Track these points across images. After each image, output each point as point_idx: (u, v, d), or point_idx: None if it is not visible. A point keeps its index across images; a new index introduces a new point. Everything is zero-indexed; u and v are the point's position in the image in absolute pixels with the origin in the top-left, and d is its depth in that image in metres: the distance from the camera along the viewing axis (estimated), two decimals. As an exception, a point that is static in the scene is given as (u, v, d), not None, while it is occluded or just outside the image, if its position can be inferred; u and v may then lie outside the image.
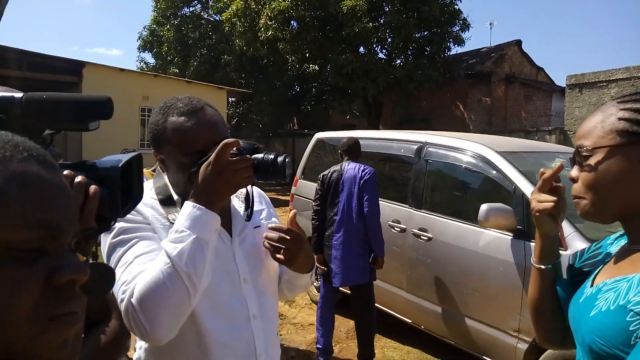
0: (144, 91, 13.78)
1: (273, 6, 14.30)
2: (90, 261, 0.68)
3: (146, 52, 24.31)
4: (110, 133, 10.48)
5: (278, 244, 1.16)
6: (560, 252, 1.11)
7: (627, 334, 0.77)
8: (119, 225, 1.09)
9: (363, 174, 3.61)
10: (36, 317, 0.45)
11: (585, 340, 0.87)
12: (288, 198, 5.95)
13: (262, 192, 1.43)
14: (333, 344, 3.97)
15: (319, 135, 5.52)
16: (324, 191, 3.75)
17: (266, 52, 16.07)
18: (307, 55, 15.57)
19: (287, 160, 1.10)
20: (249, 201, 1.28)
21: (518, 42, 17.35)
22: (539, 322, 1.10)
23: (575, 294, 0.99)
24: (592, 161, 0.89)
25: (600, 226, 1.04)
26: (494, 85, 15.99)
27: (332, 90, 16.01)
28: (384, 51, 15.74)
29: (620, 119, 0.87)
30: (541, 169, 1.04)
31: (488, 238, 3.31)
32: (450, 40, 15.36)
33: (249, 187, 1.27)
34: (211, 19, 22.55)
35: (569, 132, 11.80)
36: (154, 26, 23.32)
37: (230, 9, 16.21)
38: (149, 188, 1.21)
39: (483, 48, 18.35)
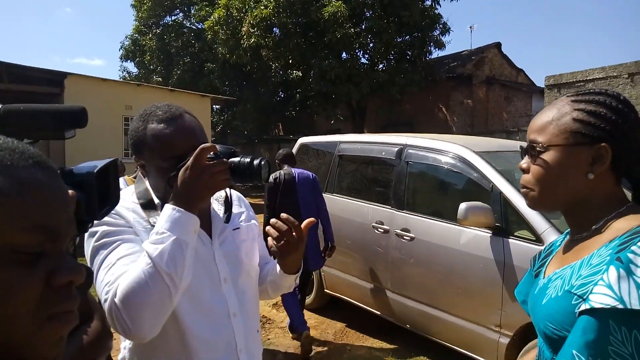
0: (127, 101, 13.69)
1: (255, 13, 14.34)
2: None
3: (129, 61, 24.18)
4: (93, 143, 10.41)
5: (281, 235, 1.21)
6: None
7: (573, 317, 0.83)
8: (102, 229, 1.12)
9: (313, 177, 4.31)
10: (36, 315, 0.48)
11: (540, 327, 0.94)
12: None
13: (241, 195, 1.48)
14: (321, 346, 4.01)
15: (303, 140, 5.57)
16: (274, 189, 4.16)
17: (249, 59, 16.08)
18: (290, 61, 15.63)
19: (262, 162, 1.14)
20: (228, 204, 1.33)
21: (498, 45, 17.62)
22: None
23: (529, 282, 1.07)
24: (545, 157, 0.95)
25: None
26: (475, 87, 16.22)
27: (316, 95, 16.08)
28: (366, 56, 15.88)
29: (574, 119, 0.92)
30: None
31: (468, 236, 3.39)
32: (431, 44, 15.53)
33: (227, 190, 1.33)
34: (193, 27, 22.50)
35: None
36: (136, 35, 23.20)
37: (212, 17, 16.22)
38: (131, 193, 1.26)
39: (464, 51, 18.60)
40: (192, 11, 22.11)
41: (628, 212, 0.91)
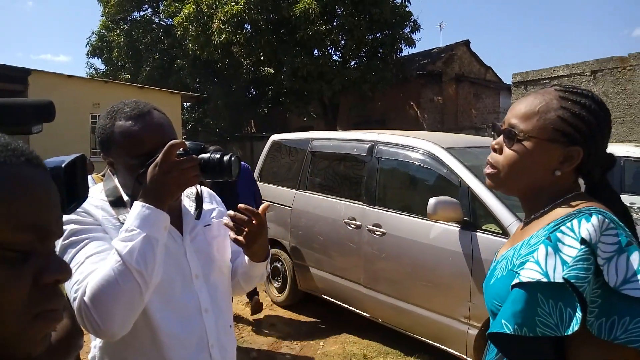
0: (95, 98, 13.36)
1: (225, 10, 14.20)
2: None
3: (95, 58, 23.54)
4: (59, 141, 10.11)
5: (242, 225, 1.22)
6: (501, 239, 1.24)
7: None
8: (70, 227, 1.11)
9: (247, 167, 4.68)
10: (23, 314, 0.48)
11: (489, 306, 1.01)
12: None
13: (212, 192, 1.48)
14: (295, 343, 4.02)
15: (275, 137, 5.57)
16: (215, 182, 4.55)
17: (220, 56, 15.91)
18: (262, 58, 15.54)
19: (232, 159, 1.15)
20: (199, 200, 1.33)
21: (467, 43, 17.94)
22: None
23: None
24: (523, 145, 0.98)
25: None
26: (444, 84, 16.48)
27: (288, 92, 16.04)
28: (338, 53, 15.93)
29: (559, 117, 0.96)
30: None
31: (437, 230, 3.46)
32: (402, 41, 15.68)
33: (198, 187, 1.33)
34: (162, 23, 22.07)
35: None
36: (103, 31, 22.59)
37: (182, 13, 15.96)
38: (99, 190, 1.25)
39: (434, 49, 18.85)
40: (161, 7, 21.66)
41: (573, 199, 0.97)
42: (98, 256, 1.08)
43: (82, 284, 1.04)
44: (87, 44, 23.10)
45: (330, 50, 15.66)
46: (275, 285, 5.17)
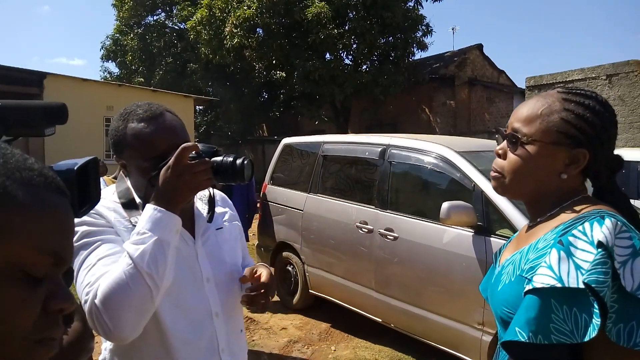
0: (108, 101, 13.51)
1: (238, 14, 14.28)
2: None
3: (110, 61, 23.82)
4: (74, 143, 10.26)
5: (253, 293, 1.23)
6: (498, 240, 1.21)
7: None
8: (82, 229, 1.11)
9: None
10: (28, 338, 0.48)
11: (497, 312, 0.98)
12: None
13: (224, 195, 1.47)
14: (306, 347, 4.01)
15: (286, 140, 5.56)
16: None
17: (232, 60, 16.00)
18: (274, 62, 15.60)
19: (245, 162, 1.13)
20: (211, 203, 1.32)
21: (479, 46, 17.83)
22: None
23: (490, 278, 1.10)
24: (526, 149, 0.96)
25: None
26: (457, 88, 16.38)
27: (300, 96, 16.08)
28: (350, 57, 15.92)
29: (563, 119, 0.93)
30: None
31: (451, 235, 3.42)
32: (414, 45, 15.64)
33: (211, 190, 1.32)
34: (176, 27, 22.29)
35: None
36: (117, 35, 22.87)
37: (194, 17, 16.10)
38: (112, 192, 1.24)
39: (446, 52, 18.78)
40: (175, 11, 21.90)
41: (580, 202, 0.95)
42: (110, 258, 1.08)
43: (93, 286, 1.03)
44: (102, 47, 23.41)
45: (342, 54, 15.67)
46: (286, 288, 5.15)
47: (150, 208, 1.06)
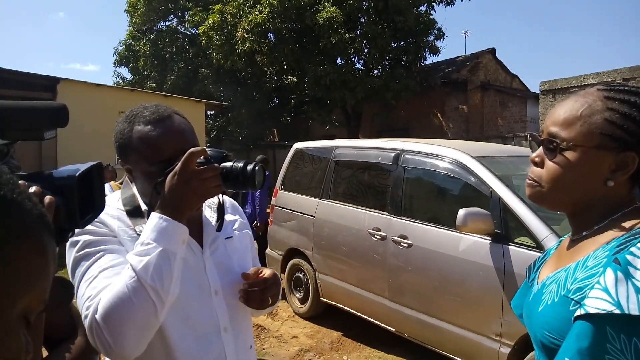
0: (121, 106, 13.53)
1: (249, 19, 14.30)
2: None
3: (122, 67, 24.00)
4: (86, 149, 10.27)
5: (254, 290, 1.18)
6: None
7: (571, 323, 0.77)
8: (84, 238, 1.05)
9: None
10: None
11: (537, 336, 0.87)
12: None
13: (235, 202, 1.40)
14: (317, 356, 3.92)
15: (298, 145, 5.50)
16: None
17: (244, 65, 16.02)
18: (285, 67, 15.58)
19: (256, 168, 1.07)
20: (221, 211, 1.25)
21: (492, 51, 17.67)
22: None
23: (524, 294, 1.00)
24: (566, 156, 0.86)
25: None
26: (470, 93, 16.23)
27: (311, 101, 16.03)
28: (361, 62, 15.84)
29: (606, 120, 0.84)
30: None
31: (467, 243, 3.32)
32: (426, 49, 15.52)
33: (220, 197, 1.25)
34: (187, 32, 22.40)
35: (544, 137, 11.98)
36: (130, 41, 23.07)
37: (206, 22, 16.15)
38: (117, 199, 1.18)
39: (458, 57, 18.63)
40: (186, 17, 22.01)
41: (632, 214, 0.85)
42: (112, 270, 1.02)
43: (94, 300, 0.97)
44: (115, 53, 23.60)
45: (353, 59, 15.60)
46: (297, 296, 5.08)
47: (155, 217, 0.99)
